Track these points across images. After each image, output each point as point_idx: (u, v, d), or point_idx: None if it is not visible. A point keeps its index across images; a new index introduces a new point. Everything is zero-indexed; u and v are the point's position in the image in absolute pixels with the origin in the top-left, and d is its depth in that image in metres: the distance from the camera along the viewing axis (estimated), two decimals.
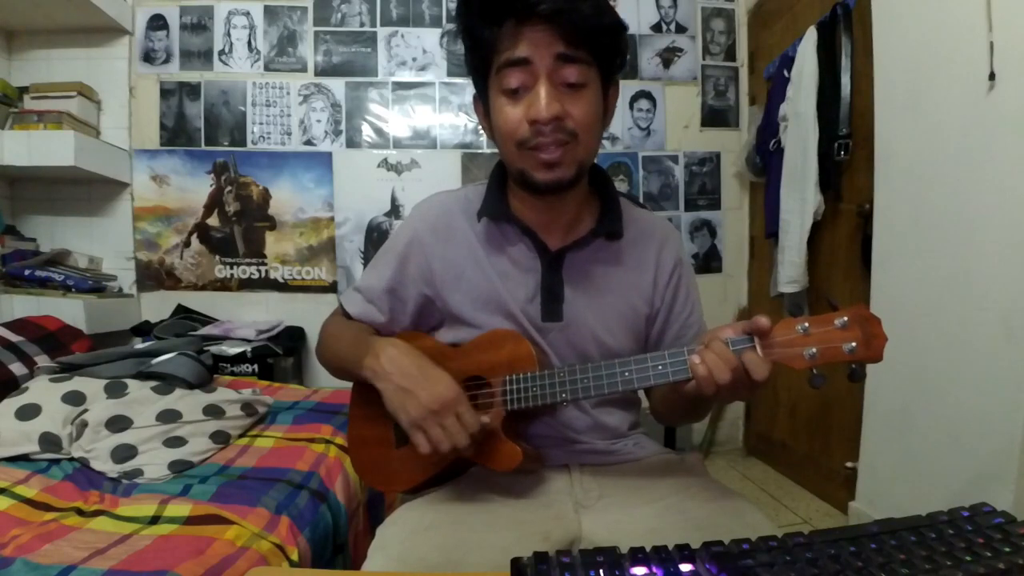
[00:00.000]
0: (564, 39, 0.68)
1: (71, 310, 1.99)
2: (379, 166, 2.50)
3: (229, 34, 2.46)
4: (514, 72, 0.70)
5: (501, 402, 0.73)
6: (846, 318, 0.57)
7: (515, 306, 0.79)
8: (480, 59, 0.74)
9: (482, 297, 0.81)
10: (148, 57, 2.43)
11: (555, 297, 0.79)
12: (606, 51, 0.72)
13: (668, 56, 2.59)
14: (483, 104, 0.80)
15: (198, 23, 2.45)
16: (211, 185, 2.46)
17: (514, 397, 0.72)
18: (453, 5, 2.50)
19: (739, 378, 0.59)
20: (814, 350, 0.57)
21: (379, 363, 0.72)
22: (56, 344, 1.76)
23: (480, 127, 0.84)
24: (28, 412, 1.25)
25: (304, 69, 2.48)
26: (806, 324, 0.58)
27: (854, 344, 0.56)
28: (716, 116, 2.64)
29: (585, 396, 0.69)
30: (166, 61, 2.44)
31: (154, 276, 2.45)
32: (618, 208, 0.83)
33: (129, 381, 1.38)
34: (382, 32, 2.49)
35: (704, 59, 2.62)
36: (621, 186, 2.57)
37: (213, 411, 1.36)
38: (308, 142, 2.48)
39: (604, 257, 0.82)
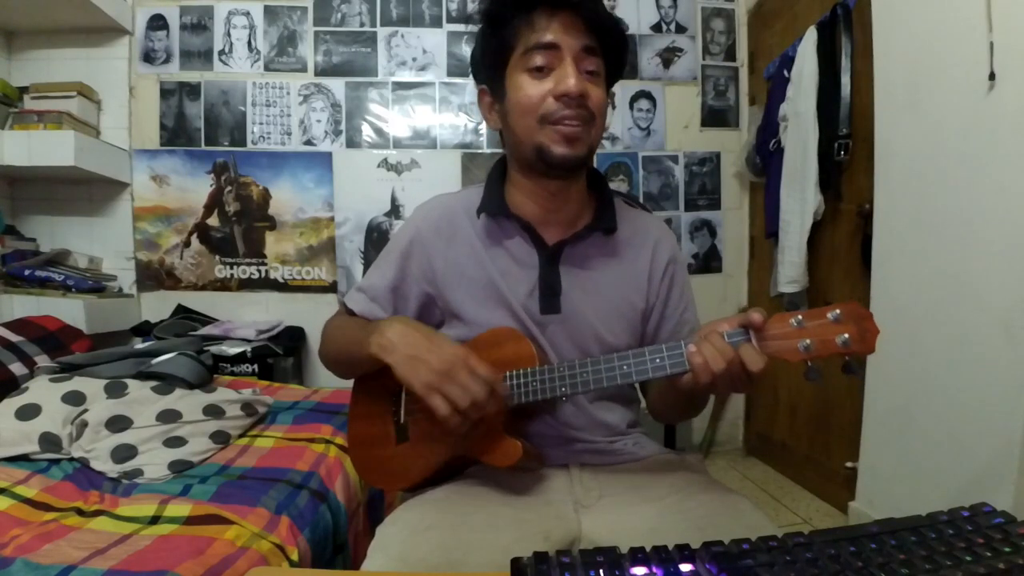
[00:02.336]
0: (588, 31, 0.75)
1: (71, 310, 1.98)
2: (379, 166, 2.50)
3: (229, 34, 2.46)
4: (542, 53, 0.75)
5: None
6: (839, 311, 0.58)
7: (515, 300, 0.81)
8: (504, 42, 0.77)
9: (482, 293, 0.82)
10: (148, 57, 2.43)
11: (553, 290, 0.81)
12: (616, 51, 0.79)
13: (668, 56, 2.59)
14: (493, 92, 0.82)
15: (198, 23, 2.45)
16: (211, 185, 2.46)
17: (514, 392, 0.73)
18: (454, 5, 2.50)
19: (735, 369, 0.59)
20: (808, 342, 0.58)
21: (385, 338, 0.71)
22: (56, 344, 1.76)
23: (484, 121, 0.86)
24: (28, 412, 1.25)
25: (304, 69, 2.48)
26: (800, 318, 0.59)
27: (847, 336, 0.57)
28: (716, 116, 2.64)
29: (584, 390, 0.69)
30: (166, 61, 2.44)
31: (154, 276, 2.45)
32: (613, 206, 0.85)
33: (129, 381, 1.38)
34: (382, 32, 2.49)
35: (704, 59, 2.62)
36: (621, 186, 2.57)
37: (213, 411, 1.36)
38: (308, 142, 2.48)
39: (601, 251, 0.84)
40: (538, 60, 0.75)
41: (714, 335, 0.61)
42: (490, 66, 0.81)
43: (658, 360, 0.65)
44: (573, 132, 0.75)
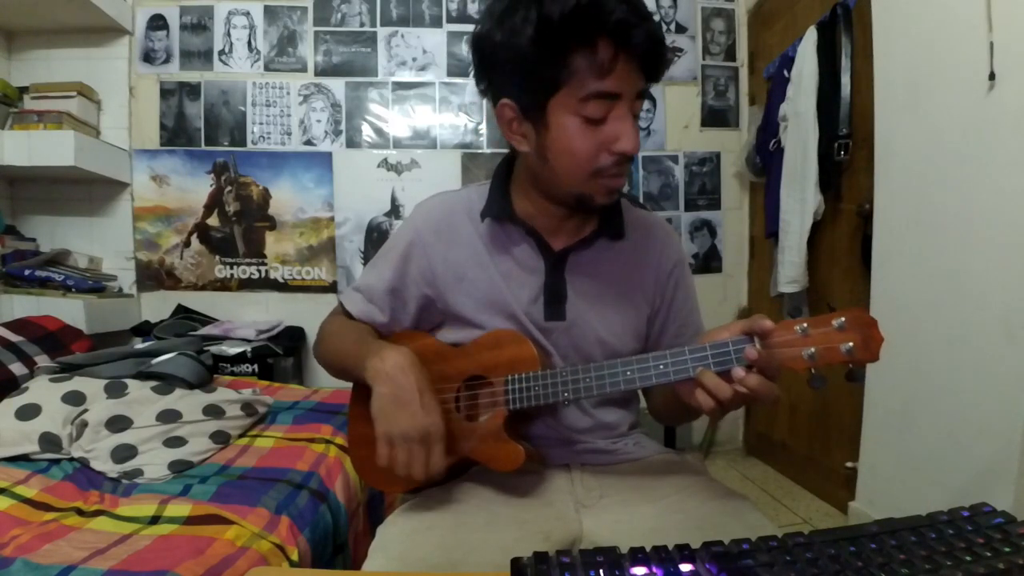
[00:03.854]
0: (646, 75, 0.71)
1: (71, 310, 1.99)
2: (379, 166, 2.50)
3: (229, 34, 2.46)
4: (602, 103, 0.69)
5: (503, 401, 0.73)
6: (843, 319, 0.58)
7: (518, 307, 0.80)
8: (550, 75, 0.67)
9: (485, 298, 0.81)
10: (148, 57, 2.43)
11: (558, 297, 0.80)
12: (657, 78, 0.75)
13: (668, 56, 2.59)
14: (525, 114, 0.73)
15: (198, 23, 2.45)
16: (211, 185, 2.46)
17: (516, 396, 0.72)
18: (454, 5, 2.50)
19: (745, 399, 0.60)
20: (812, 351, 0.58)
21: (384, 366, 0.70)
22: (56, 344, 1.76)
23: (504, 135, 0.78)
24: (28, 412, 1.25)
25: (304, 69, 2.48)
26: (805, 325, 0.59)
27: (851, 345, 0.57)
28: (716, 116, 2.64)
29: (587, 395, 0.69)
30: (166, 61, 2.44)
31: (154, 276, 2.45)
32: (620, 209, 0.84)
33: (129, 381, 1.38)
34: (382, 32, 2.49)
35: (704, 59, 2.62)
36: None
37: (213, 411, 1.36)
38: (308, 142, 2.48)
39: (607, 257, 0.83)
40: (598, 111, 0.68)
41: (723, 387, 0.60)
42: (527, 91, 0.71)
43: (662, 367, 0.64)
44: (619, 184, 0.75)
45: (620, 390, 0.67)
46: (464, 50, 2.51)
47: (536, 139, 0.74)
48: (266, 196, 2.47)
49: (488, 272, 0.81)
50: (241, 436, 1.41)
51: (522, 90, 0.71)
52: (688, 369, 0.62)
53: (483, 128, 2.52)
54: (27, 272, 2.06)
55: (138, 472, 1.18)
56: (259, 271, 2.48)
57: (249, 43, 2.46)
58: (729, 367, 0.60)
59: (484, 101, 0.82)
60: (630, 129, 0.70)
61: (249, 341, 2.15)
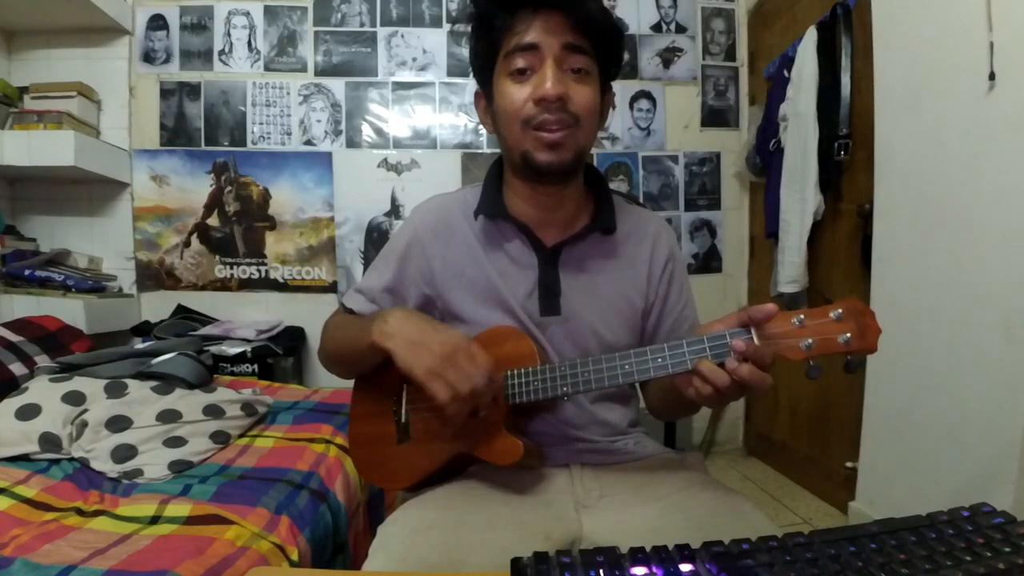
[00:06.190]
0: (572, 29, 0.72)
1: (71, 310, 1.99)
2: (379, 166, 2.50)
3: (229, 34, 2.46)
4: (522, 55, 0.73)
5: (503, 396, 0.73)
6: (840, 310, 0.58)
7: (514, 302, 0.81)
8: (490, 46, 0.77)
9: (482, 294, 0.82)
10: (148, 57, 2.43)
11: (552, 292, 0.81)
12: (607, 48, 0.76)
13: (668, 56, 2.59)
14: (486, 97, 0.82)
15: (198, 23, 2.45)
16: (211, 185, 2.46)
17: (516, 391, 0.73)
18: (454, 5, 2.51)
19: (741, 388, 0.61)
20: (810, 341, 0.58)
21: (387, 324, 0.72)
22: (56, 344, 1.76)
23: (480, 125, 0.85)
24: (28, 412, 1.25)
25: (304, 69, 2.48)
26: (802, 316, 0.59)
27: (849, 335, 0.57)
28: (716, 116, 2.64)
29: (586, 389, 0.69)
30: (166, 61, 2.44)
31: (154, 276, 2.45)
32: (611, 204, 0.85)
33: (129, 381, 1.38)
34: (382, 32, 2.49)
35: (704, 59, 2.62)
36: (621, 186, 2.57)
37: (213, 411, 1.36)
38: (308, 142, 2.48)
39: (599, 252, 0.84)
40: (519, 62, 0.74)
41: (720, 374, 0.60)
42: (479, 69, 0.80)
43: (660, 360, 0.65)
44: (554, 138, 0.73)
45: (619, 383, 0.68)
46: (464, 50, 2.51)
47: (492, 116, 0.80)
48: (266, 196, 2.47)
49: (484, 269, 0.82)
50: (241, 436, 1.41)
51: (477, 69, 0.81)
52: (686, 362, 0.63)
53: (483, 128, 2.52)
54: (27, 272, 2.06)
55: (138, 472, 1.18)
56: (259, 271, 2.48)
57: (249, 43, 2.46)
58: (726, 358, 0.60)
59: None
60: (547, 74, 0.72)
61: (249, 341, 2.15)
